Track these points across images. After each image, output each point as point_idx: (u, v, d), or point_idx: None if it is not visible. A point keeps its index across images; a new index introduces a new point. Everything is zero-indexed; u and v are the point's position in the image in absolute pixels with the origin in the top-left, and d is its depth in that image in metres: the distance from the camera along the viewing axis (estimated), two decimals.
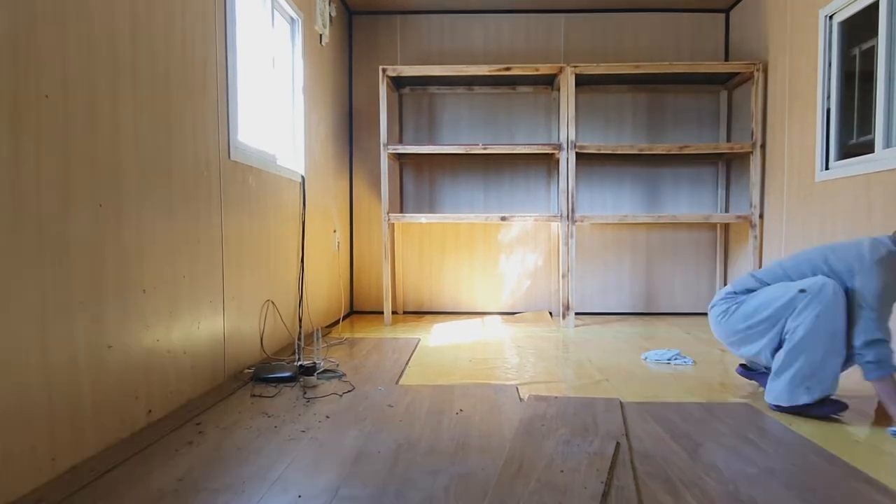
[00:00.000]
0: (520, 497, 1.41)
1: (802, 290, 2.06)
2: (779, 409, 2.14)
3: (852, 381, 2.56)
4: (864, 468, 1.61)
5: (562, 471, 1.55)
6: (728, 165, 4.64)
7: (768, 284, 2.25)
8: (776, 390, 2.13)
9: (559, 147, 4.15)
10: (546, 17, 4.68)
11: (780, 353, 2.12)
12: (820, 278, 2.06)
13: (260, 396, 2.31)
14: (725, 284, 4.64)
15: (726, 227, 4.65)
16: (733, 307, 2.29)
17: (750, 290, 2.29)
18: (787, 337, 2.11)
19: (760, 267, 4.03)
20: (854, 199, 3.05)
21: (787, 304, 2.09)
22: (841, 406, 2.06)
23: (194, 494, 1.45)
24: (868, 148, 3.05)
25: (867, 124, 3.09)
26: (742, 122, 4.40)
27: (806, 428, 1.96)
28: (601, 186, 4.73)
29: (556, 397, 2.29)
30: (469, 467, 1.62)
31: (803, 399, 2.06)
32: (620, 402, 2.22)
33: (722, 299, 2.36)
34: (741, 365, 2.47)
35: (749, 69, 4.04)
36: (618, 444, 1.76)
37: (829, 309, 2.01)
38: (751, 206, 4.07)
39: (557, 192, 4.35)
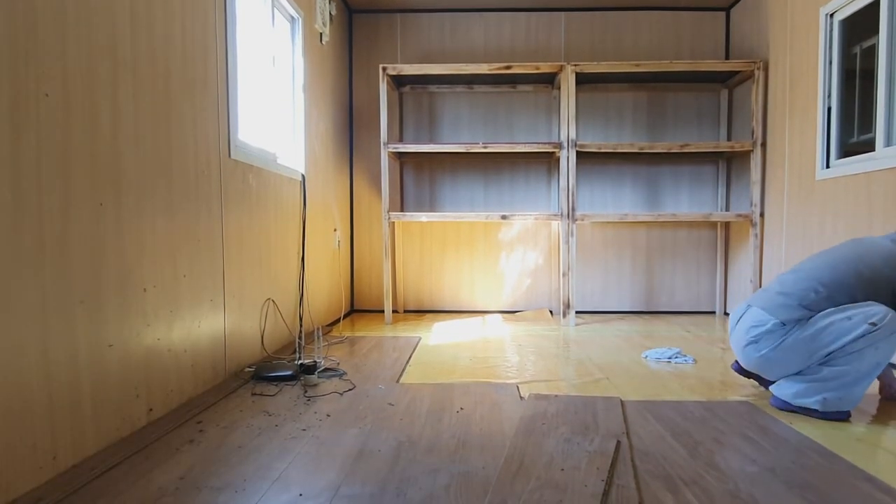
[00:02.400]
0: (520, 495, 1.41)
1: (873, 324, 1.97)
2: (786, 406, 2.13)
3: None
4: (865, 467, 1.61)
5: (562, 469, 1.55)
6: (728, 164, 4.64)
7: (811, 310, 2.10)
8: (792, 389, 2.10)
9: (559, 145, 4.15)
10: (546, 16, 4.67)
11: (822, 368, 2.06)
12: (886, 310, 1.99)
13: (261, 395, 2.31)
14: (726, 283, 4.64)
15: (727, 225, 4.65)
16: (782, 339, 2.11)
17: (792, 319, 2.12)
18: (835, 354, 2.03)
19: (761, 266, 4.03)
20: (855, 198, 3.05)
21: (857, 338, 1.99)
22: (845, 415, 2.05)
23: (195, 493, 1.45)
24: (869, 146, 3.05)
25: (868, 123, 3.09)
26: (742, 121, 4.40)
27: (807, 427, 1.96)
28: (601, 185, 4.73)
29: (556, 396, 2.29)
30: (470, 466, 1.62)
31: (815, 406, 2.04)
32: (621, 401, 2.22)
33: (768, 331, 2.14)
34: (737, 361, 2.45)
35: (749, 67, 4.03)
36: (618, 442, 1.76)
37: (888, 342, 1.98)
38: (751, 204, 4.07)
39: (558, 191, 4.35)
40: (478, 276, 4.81)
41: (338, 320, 4.30)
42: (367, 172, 4.78)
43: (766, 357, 2.16)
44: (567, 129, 4.12)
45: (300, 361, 2.67)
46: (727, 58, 4.64)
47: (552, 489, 1.43)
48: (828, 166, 3.33)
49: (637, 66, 4.12)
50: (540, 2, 4.55)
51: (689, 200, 4.69)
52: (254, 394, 2.33)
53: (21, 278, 1.41)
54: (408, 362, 2.94)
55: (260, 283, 2.89)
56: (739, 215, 4.09)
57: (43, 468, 1.48)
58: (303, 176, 3.55)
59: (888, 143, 2.89)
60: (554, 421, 1.97)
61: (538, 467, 1.57)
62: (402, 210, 4.77)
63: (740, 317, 2.28)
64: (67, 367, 1.57)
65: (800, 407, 2.08)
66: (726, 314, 4.63)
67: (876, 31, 2.97)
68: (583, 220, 4.19)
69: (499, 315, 4.65)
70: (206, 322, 2.34)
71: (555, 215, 4.20)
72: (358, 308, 4.84)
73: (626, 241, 4.73)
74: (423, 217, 4.23)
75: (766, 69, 4.00)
